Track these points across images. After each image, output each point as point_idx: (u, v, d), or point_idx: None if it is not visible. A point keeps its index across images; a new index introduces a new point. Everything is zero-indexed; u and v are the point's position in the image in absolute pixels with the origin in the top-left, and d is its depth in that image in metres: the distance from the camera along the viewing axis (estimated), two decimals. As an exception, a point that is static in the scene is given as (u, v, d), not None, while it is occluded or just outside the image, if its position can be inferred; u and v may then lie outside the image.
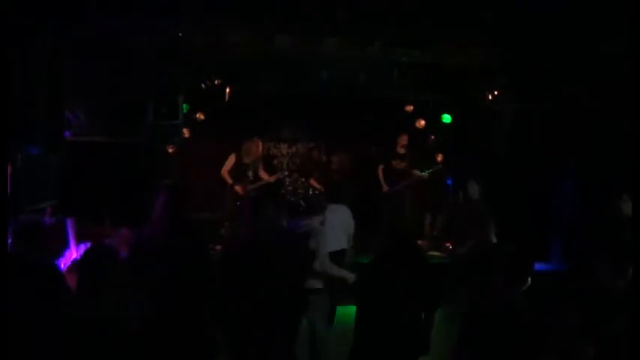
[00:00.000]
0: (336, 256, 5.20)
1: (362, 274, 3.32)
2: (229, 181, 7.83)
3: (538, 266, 7.08)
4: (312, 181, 9.01)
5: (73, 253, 6.71)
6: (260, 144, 8.06)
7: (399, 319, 3.04)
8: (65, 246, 6.55)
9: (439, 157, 9.65)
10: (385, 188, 8.90)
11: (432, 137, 9.85)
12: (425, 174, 8.79)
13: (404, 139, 8.90)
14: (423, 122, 9.61)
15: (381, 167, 9.00)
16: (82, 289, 2.65)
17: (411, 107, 9.56)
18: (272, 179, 8.20)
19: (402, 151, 8.94)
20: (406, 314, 3.06)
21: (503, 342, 2.67)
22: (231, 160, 7.95)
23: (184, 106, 8.30)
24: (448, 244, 7.58)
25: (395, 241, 3.29)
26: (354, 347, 3.20)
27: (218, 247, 7.06)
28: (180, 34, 7.00)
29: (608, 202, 5.48)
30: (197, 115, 9.07)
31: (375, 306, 3.09)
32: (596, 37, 6.36)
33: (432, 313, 3.44)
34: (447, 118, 9.48)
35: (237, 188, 7.87)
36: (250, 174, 7.94)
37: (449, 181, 9.44)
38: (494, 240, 6.57)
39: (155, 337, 3.12)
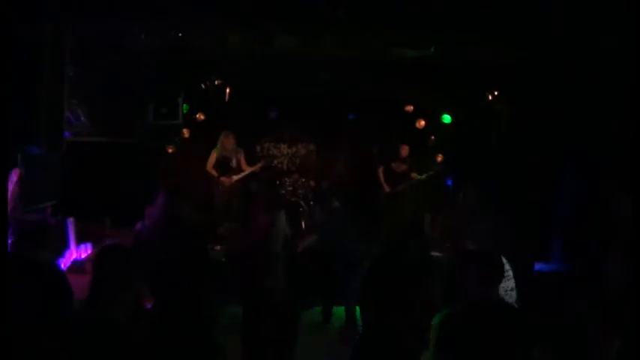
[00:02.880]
0: None
1: (369, 274, 3.28)
2: (215, 174, 8.22)
3: (539, 266, 7.12)
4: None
5: (73, 253, 6.73)
6: (232, 136, 8.28)
7: (406, 317, 3.02)
8: (65, 246, 6.57)
9: (439, 157, 9.65)
10: (386, 189, 8.90)
11: (432, 137, 9.85)
12: (423, 177, 8.79)
13: (405, 150, 8.91)
14: (423, 122, 9.61)
15: (381, 168, 9.01)
16: (97, 289, 2.55)
17: (411, 107, 9.56)
18: (256, 168, 8.51)
19: (403, 155, 8.95)
20: (415, 312, 3.03)
21: (481, 340, 2.67)
22: (213, 155, 8.28)
23: (184, 106, 8.37)
24: (447, 244, 7.59)
25: (401, 241, 3.28)
26: (358, 344, 3.17)
27: (217, 248, 7.08)
28: (180, 34, 6.99)
29: (606, 202, 5.48)
30: (197, 115, 9.09)
31: (383, 306, 3.06)
32: (595, 36, 6.36)
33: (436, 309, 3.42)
34: (446, 118, 9.48)
35: (224, 180, 8.24)
36: (234, 163, 8.29)
37: (449, 182, 9.44)
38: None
39: (156, 339, 3.12)
